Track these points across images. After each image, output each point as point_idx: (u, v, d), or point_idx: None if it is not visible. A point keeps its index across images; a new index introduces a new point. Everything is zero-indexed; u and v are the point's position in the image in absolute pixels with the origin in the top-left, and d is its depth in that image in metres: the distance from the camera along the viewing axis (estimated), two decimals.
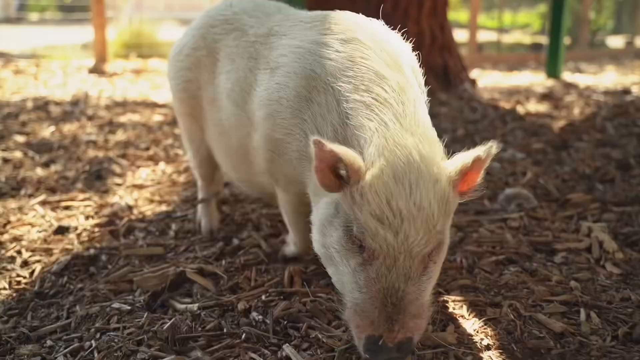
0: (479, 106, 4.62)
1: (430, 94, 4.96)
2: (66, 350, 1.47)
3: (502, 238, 2.08)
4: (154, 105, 4.72)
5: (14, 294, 1.78)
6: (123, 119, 4.17)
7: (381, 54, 1.46)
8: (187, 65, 1.97)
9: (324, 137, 1.35)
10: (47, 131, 3.76)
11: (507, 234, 2.12)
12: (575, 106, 4.63)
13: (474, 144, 3.16)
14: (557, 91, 5.40)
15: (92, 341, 1.49)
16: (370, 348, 1.21)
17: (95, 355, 1.43)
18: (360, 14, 5.03)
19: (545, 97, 5.07)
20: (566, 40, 6.34)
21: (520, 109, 4.55)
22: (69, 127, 3.88)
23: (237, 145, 1.80)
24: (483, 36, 10.60)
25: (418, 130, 1.31)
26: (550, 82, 6.06)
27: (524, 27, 14.19)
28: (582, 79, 6.45)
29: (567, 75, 6.70)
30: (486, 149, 1.25)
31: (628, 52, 10.74)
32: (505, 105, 4.74)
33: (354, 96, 1.38)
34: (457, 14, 13.73)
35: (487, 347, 1.43)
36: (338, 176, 1.28)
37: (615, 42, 12.40)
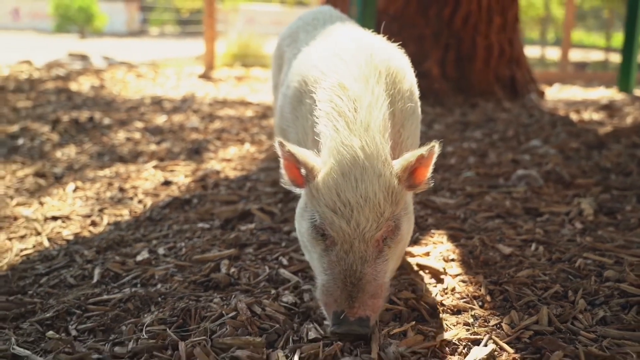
0: (537, 113, 5.06)
1: (495, 101, 5.50)
2: (164, 247, 2.17)
3: (500, 203, 2.60)
4: (248, 104, 5.50)
5: (132, 218, 2.52)
6: (221, 113, 4.97)
7: (352, 68, 1.63)
8: (273, 64, 2.62)
9: (307, 135, 1.64)
10: (160, 120, 4.62)
11: (507, 200, 2.64)
12: (629, 116, 4.97)
13: (518, 143, 3.67)
14: (618, 103, 5.71)
15: (182, 243, 2.19)
16: (335, 322, 1.41)
17: (183, 250, 2.13)
18: (432, 28, 5.83)
19: (605, 107, 5.41)
20: None
21: (574, 117, 4.94)
22: (177, 118, 4.72)
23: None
24: (595, 56, 10.76)
25: (366, 134, 1.47)
26: (619, 96, 6.35)
27: None
28: None
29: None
30: (428, 148, 1.45)
31: None
32: (562, 113, 5.14)
33: (320, 105, 1.58)
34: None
35: (452, 259, 2.00)
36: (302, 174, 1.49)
37: None
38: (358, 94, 1.55)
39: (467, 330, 1.56)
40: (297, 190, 1.56)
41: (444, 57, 5.66)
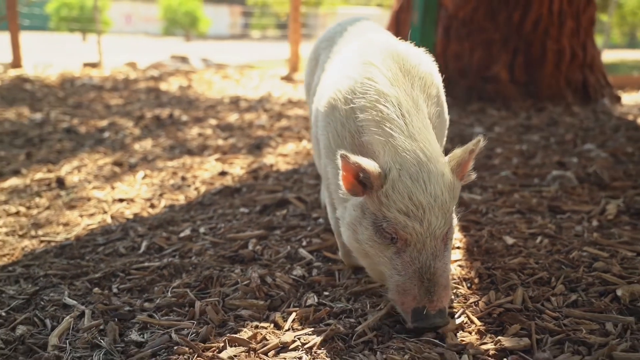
0: (604, 118, 5.04)
1: (565, 106, 5.52)
2: (206, 227, 2.47)
3: (526, 201, 2.72)
4: None
5: (186, 202, 2.85)
6: (290, 112, 5.28)
7: (387, 73, 1.66)
8: (307, 66, 2.86)
9: (342, 141, 1.67)
10: (232, 118, 4.98)
11: (534, 199, 2.76)
12: None
13: (574, 146, 3.74)
14: None
15: (222, 224, 2.48)
16: (418, 318, 1.49)
17: (221, 230, 2.41)
18: (501, 32, 5.92)
19: None
20: None
21: None
22: (249, 116, 5.07)
23: None
24: None
25: (419, 136, 1.53)
26: None
27: None
28: None
29: None
30: (475, 142, 1.54)
31: None
32: (631, 118, 5.08)
33: (363, 115, 1.60)
34: None
35: (457, 247, 2.17)
36: (361, 183, 1.53)
37: None
38: (399, 99, 1.59)
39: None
40: (352, 200, 1.62)
41: (513, 61, 5.71)
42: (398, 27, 6.32)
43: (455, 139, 4.04)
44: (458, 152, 1.55)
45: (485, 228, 2.34)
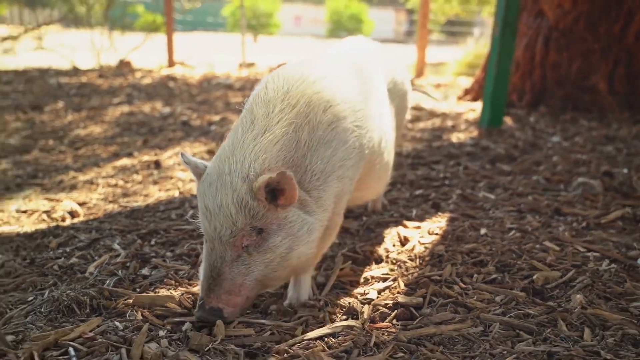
0: None
1: None
2: None
3: (537, 203, 2.96)
4: (416, 109, 6.14)
5: None
6: None
7: (264, 92, 1.79)
8: None
9: None
10: None
11: (545, 201, 3.00)
12: None
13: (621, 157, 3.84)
14: None
15: None
16: (197, 305, 1.70)
17: None
18: (601, 43, 6.11)
19: None
20: None
21: None
22: None
23: None
24: None
25: (240, 152, 1.62)
26: None
27: None
28: None
29: None
30: (278, 174, 1.55)
31: None
32: None
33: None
34: None
35: (434, 233, 2.53)
36: None
37: None
38: (255, 116, 1.71)
39: (388, 272, 2.15)
40: None
41: (613, 72, 5.70)
42: None
43: (526, 147, 4.26)
44: (262, 177, 1.58)
45: (471, 221, 2.66)
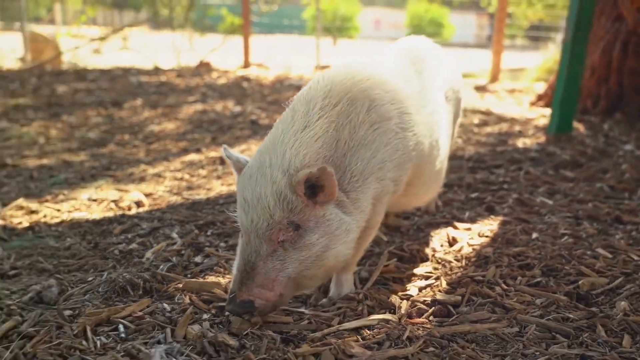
0: None
1: None
2: None
3: (596, 210, 2.89)
4: (483, 113, 6.06)
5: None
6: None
7: (307, 91, 1.81)
8: None
9: None
10: None
11: (607, 209, 2.93)
12: None
13: None
14: None
15: None
16: (227, 298, 1.67)
17: None
18: None
19: None
20: None
21: None
22: None
23: None
24: None
25: (280, 147, 1.63)
26: None
27: None
28: None
29: None
30: (319, 169, 1.55)
31: None
32: None
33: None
34: None
35: (484, 235, 2.52)
36: None
37: None
38: (295, 116, 1.73)
39: (432, 270, 2.17)
40: None
41: None
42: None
43: (595, 154, 4.15)
44: (303, 171, 1.57)
45: (523, 225, 2.64)
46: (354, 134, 1.73)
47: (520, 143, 4.57)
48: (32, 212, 2.97)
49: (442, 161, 2.22)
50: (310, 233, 1.62)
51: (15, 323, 1.74)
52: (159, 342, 1.64)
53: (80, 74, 9.01)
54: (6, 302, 1.87)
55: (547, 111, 6.11)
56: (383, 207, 1.93)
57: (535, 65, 10.70)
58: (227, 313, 1.75)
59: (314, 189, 1.59)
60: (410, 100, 1.95)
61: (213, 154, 4.27)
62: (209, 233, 2.61)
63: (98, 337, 1.66)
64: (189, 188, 3.44)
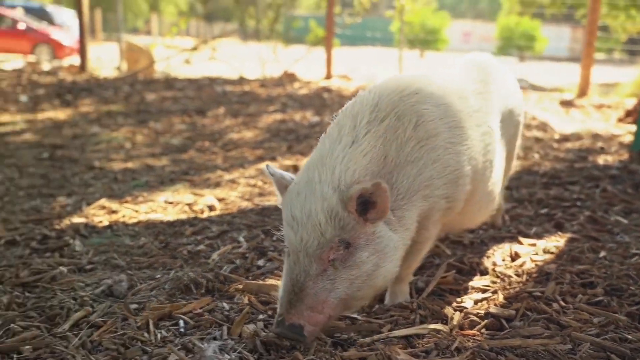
0: None
1: None
2: None
3: (629, 223, 2.78)
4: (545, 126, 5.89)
5: None
6: (531, 134, 5.55)
7: (352, 107, 1.78)
8: None
9: None
10: None
11: None
12: None
13: None
14: None
15: None
16: (275, 322, 1.59)
17: None
18: None
19: None
20: None
21: None
22: None
23: None
24: None
25: (329, 162, 1.59)
26: None
27: None
28: None
29: None
30: (373, 184, 1.52)
31: None
32: None
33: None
34: None
35: (549, 252, 2.48)
36: None
37: None
38: (341, 131, 1.69)
39: (489, 284, 2.15)
40: None
41: None
42: None
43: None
44: (356, 187, 1.54)
45: (592, 243, 2.57)
46: (401, 150, 1.69)
47: (601, 160, 4.42)
48: (113, 212, 3.16)
49: (494, 183, 2.16)
50: (360, 251, 1.57)
51: (86, 313, 1.87)
52: (214, 339, 1.73)
53: (170, 82, 9.41)
54: (80, 294, 2.02)
55: (635, 128, 5.87)
56: (434, 222, 1.89)
57: (630, 80, 10.28)
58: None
59: (365, 205, 1.55)
60: (462, 114, 1.89)
61: (287, 162, 4.37)
62: (274, 238, 2.69)
63: (159, 331, 1.77)
64: (261, 194, 3.55)
